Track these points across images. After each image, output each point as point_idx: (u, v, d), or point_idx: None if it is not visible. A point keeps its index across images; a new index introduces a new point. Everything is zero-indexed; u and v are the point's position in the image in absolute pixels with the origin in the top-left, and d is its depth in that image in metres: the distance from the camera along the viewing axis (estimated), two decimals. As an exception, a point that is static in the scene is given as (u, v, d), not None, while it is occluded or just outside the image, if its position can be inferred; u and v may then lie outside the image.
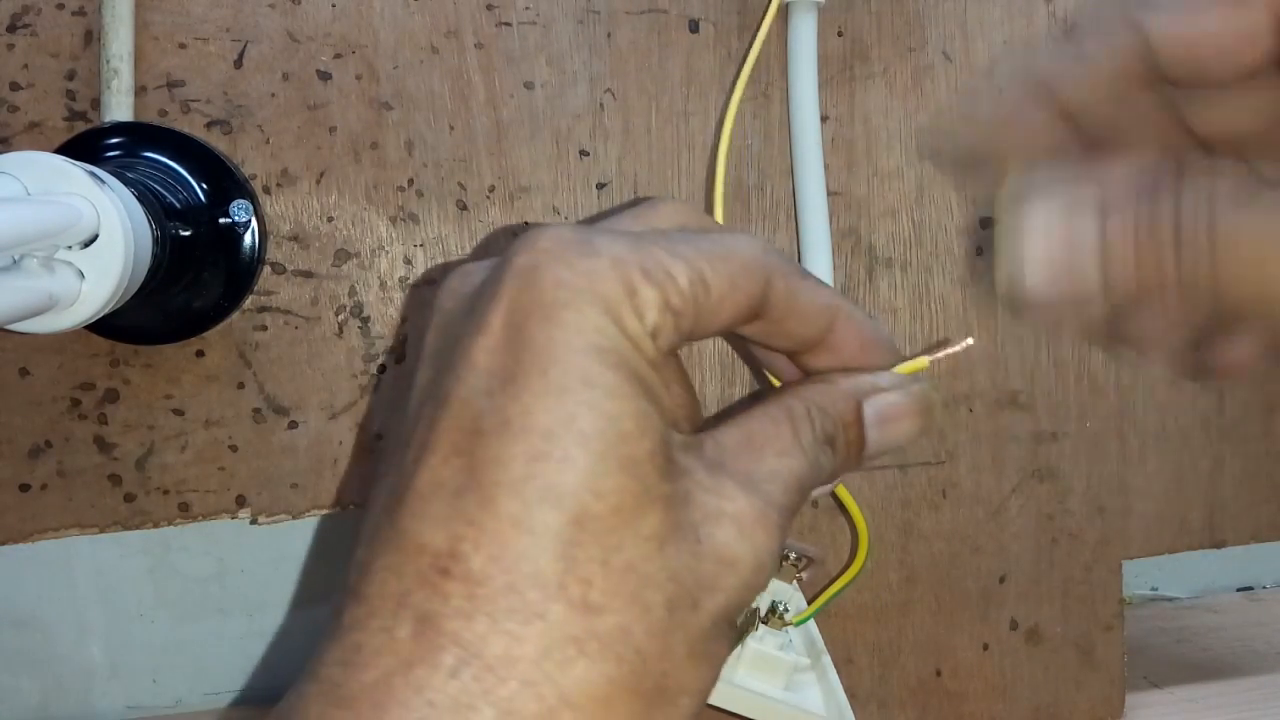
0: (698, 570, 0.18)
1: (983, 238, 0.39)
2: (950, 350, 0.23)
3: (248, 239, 0.34)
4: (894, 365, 0.23)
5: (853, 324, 0.22)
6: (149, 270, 0.29)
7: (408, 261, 0.36)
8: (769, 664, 0.32)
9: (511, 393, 0.17)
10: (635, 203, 0.23)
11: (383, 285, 0.36)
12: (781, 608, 0.33)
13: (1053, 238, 0.18)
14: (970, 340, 0.23)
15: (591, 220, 0.25)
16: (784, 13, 0.39)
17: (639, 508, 0.17)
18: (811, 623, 0.35)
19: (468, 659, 0.16)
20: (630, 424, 0.17)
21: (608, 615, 0.17)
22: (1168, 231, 0.18)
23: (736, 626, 0.20)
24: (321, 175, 0.36)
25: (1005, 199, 0.19)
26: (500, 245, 0.37)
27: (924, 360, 0.23)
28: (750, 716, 0.32)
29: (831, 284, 0.39)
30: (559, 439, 0.17)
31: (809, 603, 0.35)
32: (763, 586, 0.19)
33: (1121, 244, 0.18)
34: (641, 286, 0.18)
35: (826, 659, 0.35)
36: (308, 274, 0.36)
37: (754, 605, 0.32)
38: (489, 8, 0.37)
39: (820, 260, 0.37)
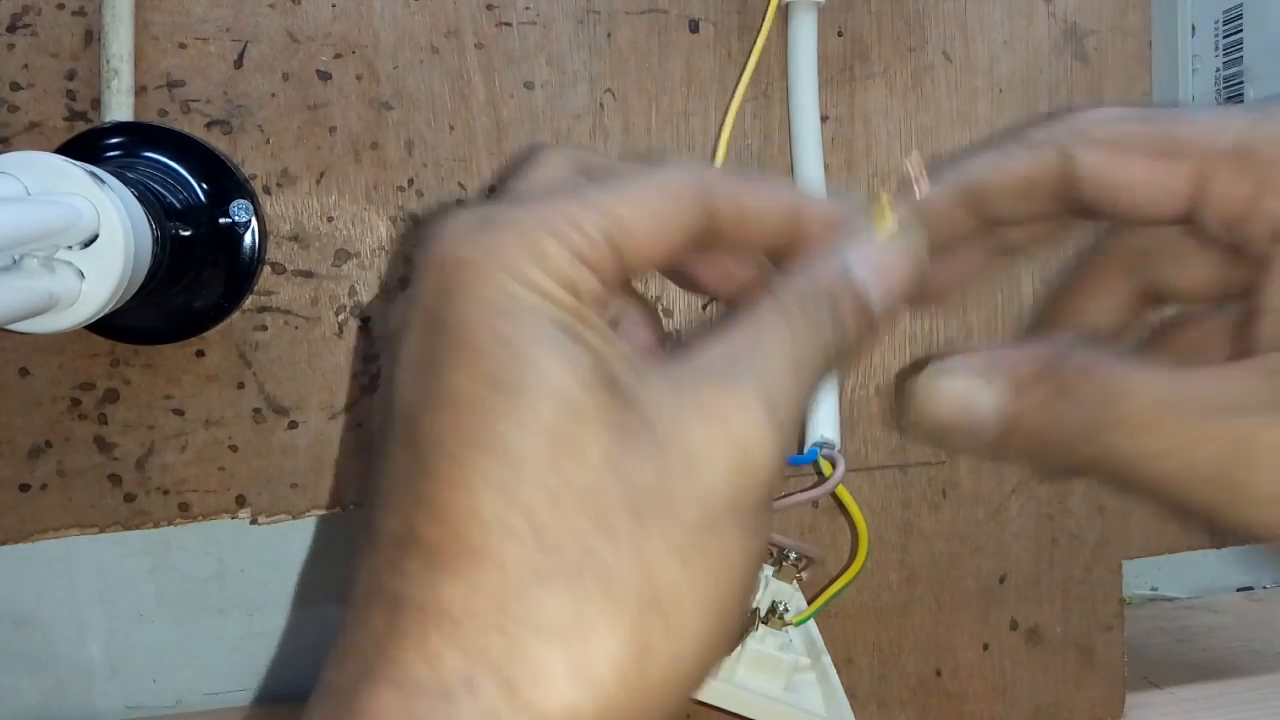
0: (666, 473, 0.18)
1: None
2: (907, 178, 0.22)
3: (248, 239, 0.34)
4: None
5: (817, 212, 0.22)
6: (149, 270, 0.29)
7: (408, 261, 0.36)
8: (769, 664, 0.32)
9: (433, 373, 0.18)
10: (532, 152, 0.22)
11: (383, 285, 0.36)
12: (781, 608, 0.33)
13: (962, 401, 0.21)
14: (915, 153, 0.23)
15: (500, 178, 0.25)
16: (784, 13, 0.39)
17: (580, 439, 0.17)
18: (811, 623, 0.35)
19: (434, 619, 0.17)
20: (554, 366, 0.18)
21: (567, 546, 0.17)
22: (1068, 404, 0.20)
23: (752, 509, 0.18)
24: (321, 175, 0.36)
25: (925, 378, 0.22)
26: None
27: (883, 198, 0.22)
28: (750, 716, 0.32)
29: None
30: (483, 399, 0.17)
31: (809, 603, 0.35)
32: (768, 475, 0.18)
33: (1025, 407, 0.20)
34: (548, 245, 0.18)
35: (826, 659, 0.35)
36: (308, 274, 0.36)
37: (753, 606, 0.32)
38: (489, 8, 0.37)
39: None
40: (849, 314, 0.20)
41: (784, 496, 0.32)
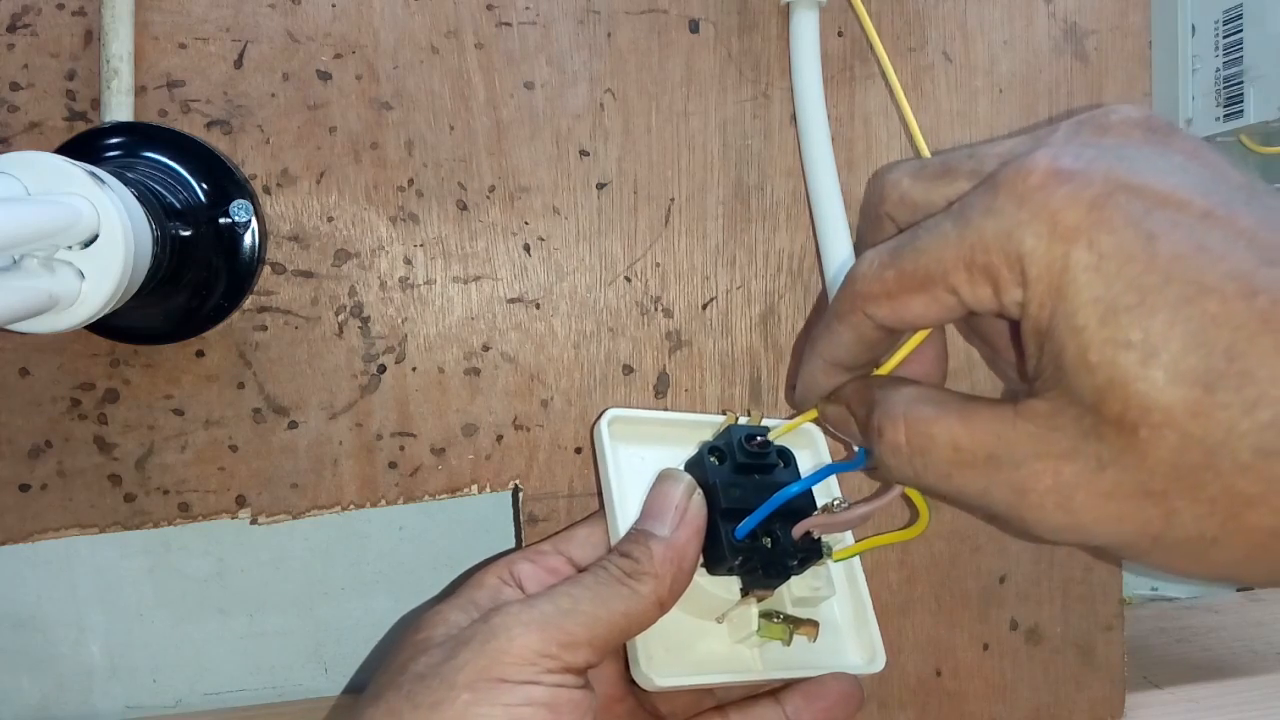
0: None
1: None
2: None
3: (248, 239, 0.34)
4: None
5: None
6: (149, 270, 0.29)
7: (408, 261, 0.36)
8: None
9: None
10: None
11: (383, 285, 0.36)
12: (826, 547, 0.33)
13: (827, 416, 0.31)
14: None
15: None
16: (785, 13, 0.39)
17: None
18: (856, 561, 0.36)
19: None
20: None
21: None
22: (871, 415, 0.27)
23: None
24: (321, 175, 0.36)
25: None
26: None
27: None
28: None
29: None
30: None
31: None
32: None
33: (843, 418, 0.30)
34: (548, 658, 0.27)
35: (863, 585, 0.36)
36: (308, 274, 0.36)
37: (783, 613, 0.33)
38: (489, 8, 0.37)
39: (839, 250, 0.37)
40: (642, 555, 0.29)
41: (849, 508, 0.31)
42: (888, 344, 0.28)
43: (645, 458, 0.34)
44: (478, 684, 0.26)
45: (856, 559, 0.36)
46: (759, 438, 0.32)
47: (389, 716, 0.26)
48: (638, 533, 0.30)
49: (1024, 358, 0.24)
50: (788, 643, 0.32)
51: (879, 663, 0.34)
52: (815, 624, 0.33)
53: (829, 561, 0.33)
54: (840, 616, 0.35)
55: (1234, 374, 0.20)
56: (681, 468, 0.33)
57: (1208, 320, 0.20)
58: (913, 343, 0.28)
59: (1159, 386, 0.20)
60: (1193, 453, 0.20)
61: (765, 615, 0.33)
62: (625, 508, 0.32)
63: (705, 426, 0.35)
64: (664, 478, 0.32)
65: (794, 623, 0.32)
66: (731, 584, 0.32)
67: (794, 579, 0.33)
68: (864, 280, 0.26)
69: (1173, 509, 0.21)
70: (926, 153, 0.32)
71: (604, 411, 0.34)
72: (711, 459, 0.32)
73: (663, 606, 0.29)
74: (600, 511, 0.34)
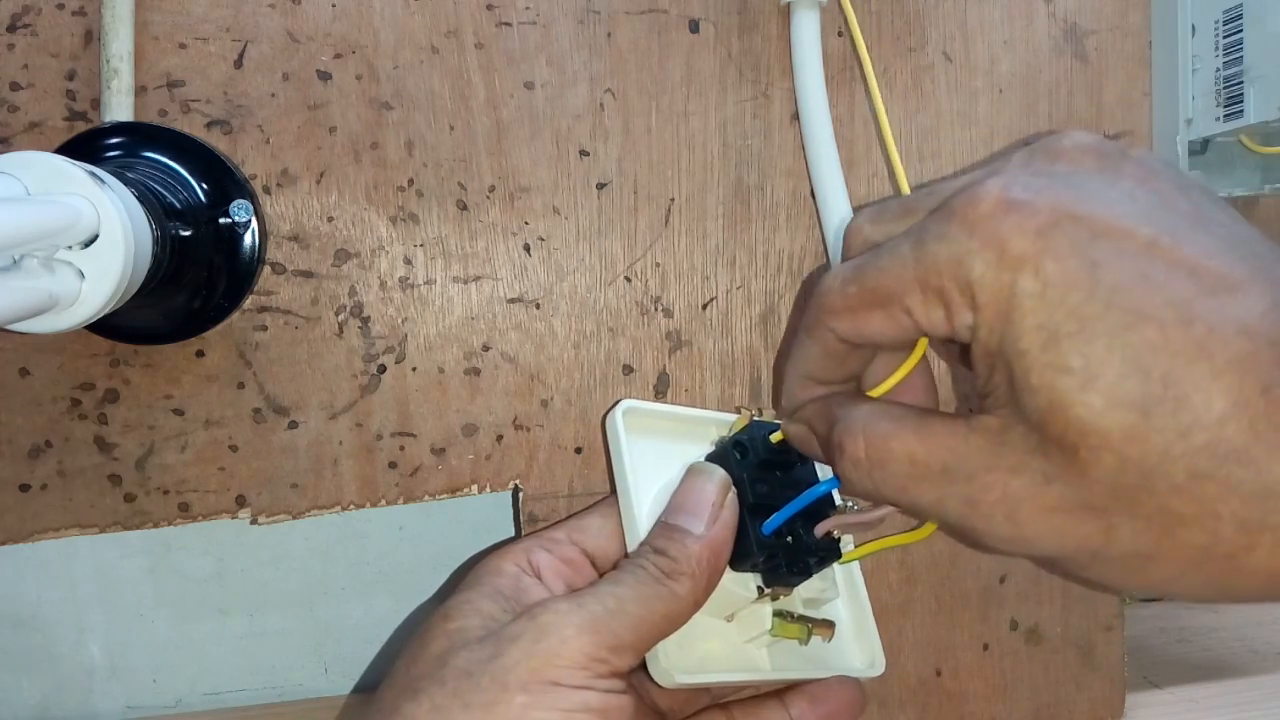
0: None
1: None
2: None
3: (248, 239, 0.34)
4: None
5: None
6: (149, 270, 0.29)
7: (408, 261, 0.36)
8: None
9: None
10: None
11: (383, 285, 0.36)
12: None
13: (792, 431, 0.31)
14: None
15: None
16: (785, 13, 0.39)
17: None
18: (855, 566, 0.36)
19: None
20: None
21: None
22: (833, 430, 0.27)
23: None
24: (321, 175, 0.36)
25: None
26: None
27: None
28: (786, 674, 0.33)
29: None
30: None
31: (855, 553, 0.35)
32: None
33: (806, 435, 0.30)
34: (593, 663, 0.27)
35: (861, 588, 0.36)
36: (308, 274, 0.36)
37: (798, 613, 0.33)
38: (489, 8, 0.37)
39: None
40: (680, 554, 0.29)
41: (872, 508, 0.31)
42: (857, 359, 0.29)
43: (658, 451, 0.34)
44: (531, 686, 0.26)
45: (855, 562, 0.36)
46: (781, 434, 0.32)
47: (435, 714, 0.26)
48: (671, 529, 0.30)
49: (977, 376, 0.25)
50: (805, 642, 0.32)
51: (879, 667, 0.34)
52: (831, 624, 0.33)
53: (835, 563, 0.33)
54: (841, 619, 0.35)
55: (1170, 399, 0.20)
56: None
57: (1145, 347, 0.20)
58: (902, 371, 0.28)
59: (1096, 411, 0.21)
60: (1130, 473, 0.21)
61: (779, 615, 0.32)
62: (640, 500, 0.32)
63: (716, 424, 0.35)
64: (696, 472, 0.31)
65: (810, 622, 0.32)
66: (748, 582, 0.32)
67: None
68: (828, 295, 0.27)
69: (1112, 525, 0.22)
70: (895, 156, 0.34)
71: (617, 402, 0.34)
72: (735, 454, 0.32)
73: (697, 606, 0.29)
74: (607, 500, 0.34)
